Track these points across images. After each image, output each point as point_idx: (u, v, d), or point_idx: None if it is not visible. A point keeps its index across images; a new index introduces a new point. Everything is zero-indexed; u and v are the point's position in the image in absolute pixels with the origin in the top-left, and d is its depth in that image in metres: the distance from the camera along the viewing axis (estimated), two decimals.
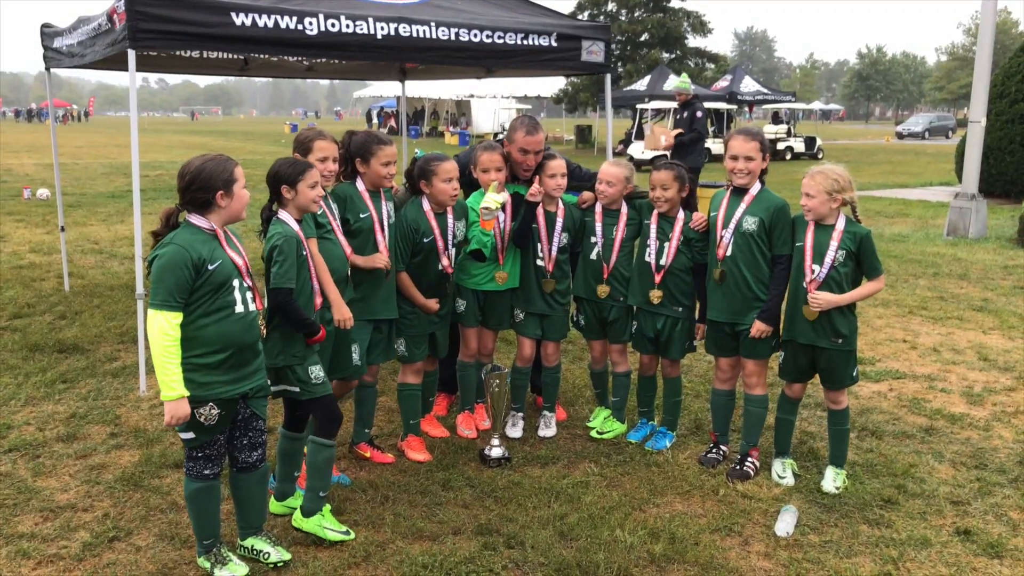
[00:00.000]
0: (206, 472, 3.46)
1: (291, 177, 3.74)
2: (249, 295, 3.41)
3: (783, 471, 4.53)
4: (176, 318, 3.20)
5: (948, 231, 12.89)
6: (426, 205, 4.58)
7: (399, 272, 4.56)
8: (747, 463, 4.58)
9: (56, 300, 8.17)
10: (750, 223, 4.37)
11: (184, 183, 3.30)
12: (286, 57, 8.04)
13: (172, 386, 3.19)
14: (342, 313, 4.03)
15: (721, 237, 4.47)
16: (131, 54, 5.40)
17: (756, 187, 4.43)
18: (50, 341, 6.74)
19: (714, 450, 4.77)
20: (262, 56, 7.24)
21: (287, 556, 3.68)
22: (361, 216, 4.34)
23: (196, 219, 3.33)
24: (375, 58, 6.61)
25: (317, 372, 3.81)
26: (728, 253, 4.44)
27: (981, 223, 12.78)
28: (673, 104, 30.75)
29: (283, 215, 3.76)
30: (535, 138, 4.90)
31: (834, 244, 4.23)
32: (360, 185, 4.39)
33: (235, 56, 8.45)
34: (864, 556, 3.76)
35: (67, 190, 17.42)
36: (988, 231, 12.88)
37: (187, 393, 3.23)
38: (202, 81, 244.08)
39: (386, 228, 4.44)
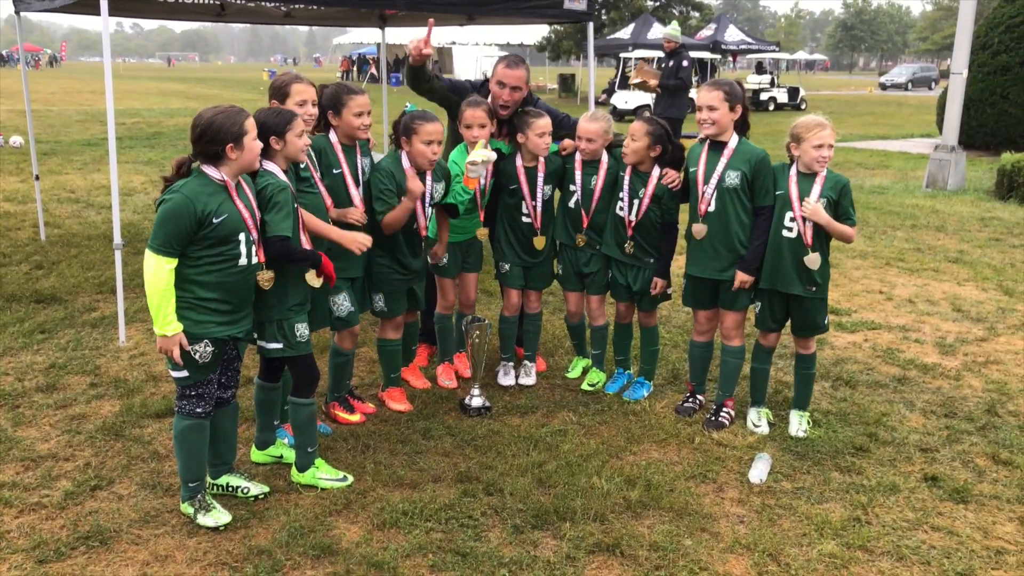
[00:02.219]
0: (198, 410, 3.53)
1: (279, 127, 3.67)
2: (254, 248, 3.46)
3: (758, 420, 4.62)
4: (171, 263, 3.28)
5: (927, 183, 12.96)
6: (405, 162, 4.45)
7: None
8: (722, 413, 4.66)
9: (32, 250, 8.09)
10: (732, 178, 4.35)
11: (195, 135, 3.34)
12: (263, 2, 7.88)
13: (163, 324, 3.29)
14: (356, 240, 4.01)
15: (703, 192, 4.45)
16: None
17: (734, 140, 4.41)
18: (27, 291, 6.69)
19: (690, 399, 4.84)
20: (239, 1, 7.10)
21: (266, 488, 3.80)
22: (334, 172, 4.25)
23: (208, 169, 3.37)
24: (353, 4, 6.51)
25: (303, 330, 3.80)
26: (712, 208, 4.43)
27: (960, 175, 12.85)
28: (659, 53, 30.63)
29: (269, 166, 3.69)
30: (514, 72, 4.84)
31: (817, 189, 4.28)
32: (333, 138, 4.30)
33: (211, 1, 8.26)
34: (835, 502, 3.86)
35: (41, 138, 17.13)
36: (967, 183, 12.96)
37: (179, 329, 3.31)
38: (178, 26, 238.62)
39: (360, 183, 4.36)
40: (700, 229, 4.49)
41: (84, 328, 5.97)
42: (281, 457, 4.10)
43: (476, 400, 4.72)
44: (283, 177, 3.70)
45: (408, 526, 3.58)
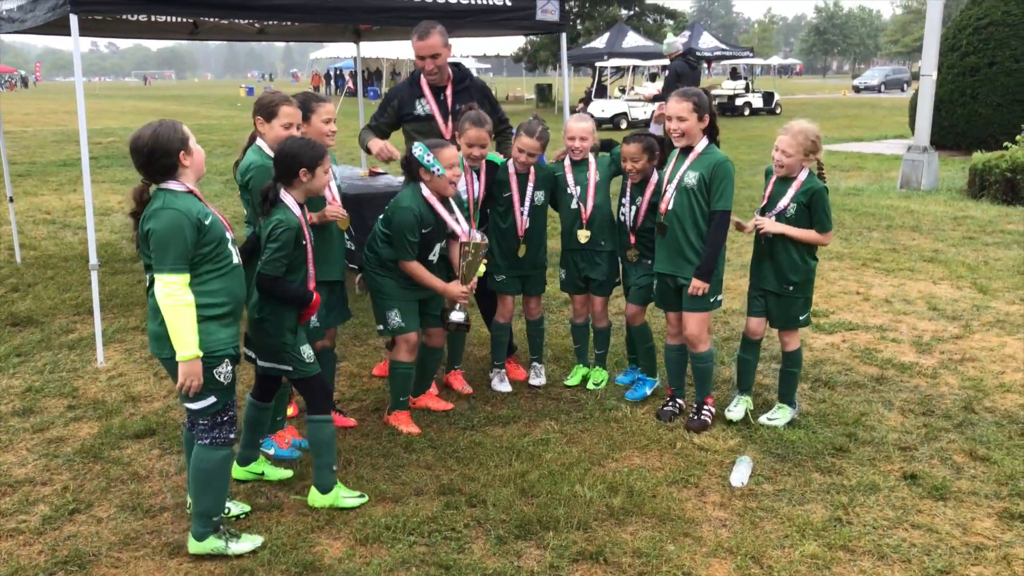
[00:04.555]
0: (231, 436, 3.44)
1: (312, 161, 3.68)
2: (235, 248, 3.42)
3: (734, 405, 4.74)
4: (186, 279, 3.19)
5: (901, 183, 13.10)
6: (426, 192, 4.43)
7: (407, 262, 4.41)
8: (704, 412, 4.71)
9: (7, 272, 8.02)
10: (691, 178, 4.46)
11: (144, 156, 3.22)
12: (236, 20, 7.88)
13: (188, 346, 3.18)
14: (334, 212, 4.13)
15: (665, 191, 4.58)
16: (73, 19, 5.26)
17: (702, 145, 4.51)
18: (2, 314, 6.63)
19: (670, 403, 4.87)
20: (212, 19, 7.09)
21: (247, 507, 3.78)
22: None
23: (172, 184, 3.27)
24: (326, 20, 6.52)
25: (308, 351, 3.77)
26: (670, 207, 4.54)
27: (933, 175, 13.00)
28: (633, 62, 30.85)
29: (287, 199, 3.67)
30: (426, 42, 4.99)
31: (790, 193, 4.44)
32: None
33: (184, 20, 8.25)
34: (816, 503, 3.88)
35: (16, 159, 16.99)
36: (940, 183, 13.11)
37: (201, 353, 3.21)
38: (154, 44, 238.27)
39: (334, 188, 4.33)
40: (659, 227, 4.62)
41: (61, 350, 5.92)
42: (263, 474, 4.08)
43: (456, 315, 4.56)
44: (297, 212, 3.67)
45: (391, 540, 3.57)
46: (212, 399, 3.34)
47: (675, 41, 13.51)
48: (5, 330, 6.32)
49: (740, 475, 4.09)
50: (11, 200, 8.58)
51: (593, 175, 4.99)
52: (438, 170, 4.34)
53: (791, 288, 4.52)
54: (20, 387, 5.26)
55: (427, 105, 5.16)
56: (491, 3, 6.64)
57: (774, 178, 4.56)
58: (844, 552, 3.50)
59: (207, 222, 3.25)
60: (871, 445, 4.44)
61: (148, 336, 3.42)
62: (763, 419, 4.66)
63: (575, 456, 4.32)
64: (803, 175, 4.46)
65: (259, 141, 4.09)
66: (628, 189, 4.92)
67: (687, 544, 3.56)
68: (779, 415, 4.68)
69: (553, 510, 3.77)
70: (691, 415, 4.73)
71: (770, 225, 4.46)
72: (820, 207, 4.42)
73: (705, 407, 4.72)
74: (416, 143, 4.44)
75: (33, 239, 9.58)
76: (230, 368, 3.37)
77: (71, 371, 5.54)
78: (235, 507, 3.76)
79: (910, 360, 5.68)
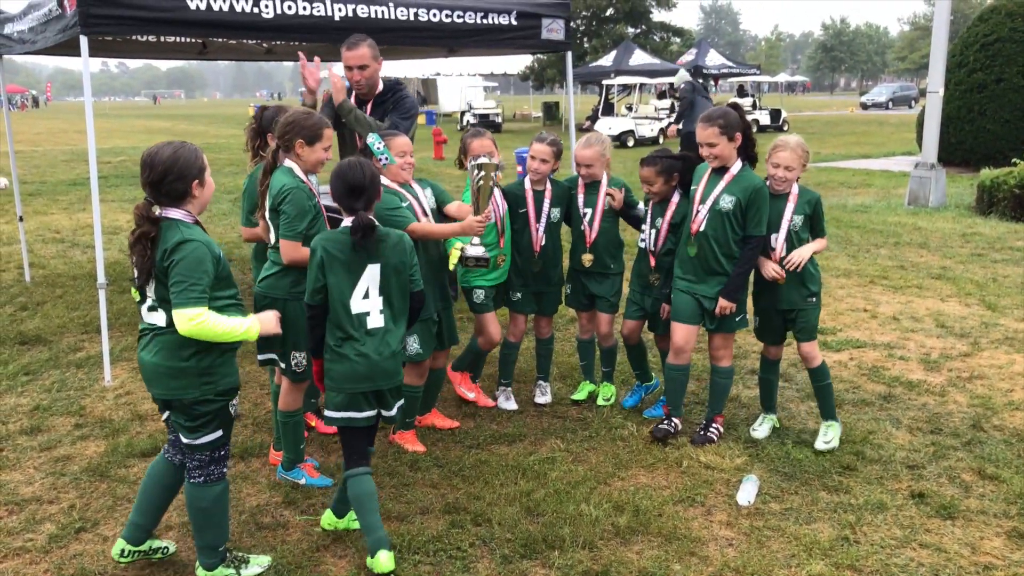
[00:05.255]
0: (225, 470, 3.36)
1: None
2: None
3: (759, 424, 4.75)
4: (207, 309, 3.07)
5: (909, 200, 13.08)
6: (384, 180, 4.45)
7: (414, 225, 4.24)
8: (711, 429, 4.69)
9: (17, 291, 8.06)
10: (727, 202, 4.41)
11: (157, 174, 3.09)
12: (244, 40, 7.95)
13: (248, 330, 3.16)
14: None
15: (697, 212, 4.51)
16: (83, 40, 5.32)
17: (737, 166, 4.45)
18: (11, 333, 6.67)
19: (666, 422, 4.77)
20: (220, 40, 7.15)
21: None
22: None
23: (176, 212, 3.13)
24: (333, 40, 6.54)
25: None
26: (701, 229, 4.48)
27: (941, 192, 12.98)
28: (640, 79, 30.95)
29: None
30: (354, 52, 5.15)
31: (790, 207, 4.44)
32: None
33: (193, 40, 8.33)
34: (823, 522, 3.86)
35: (27, 178, 17.13)
36: (948, 200, 13.08)
37: (247, 324, 3.16)
38: (164, 64, 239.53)
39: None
40: (692, 248, 4.54)
41: (69, 368, 5.94)
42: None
43: (473, 250, 4.43)
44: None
45: (396, 560, 3.55)
46: (219, 432, 3.28)
47: (684, 75, 14.26)
48: (14, 349, 6.35)
49: (747, 494, 4.07)
50: (21, 219, 8.65)
51: (600, 202, 5.00)
52: (387, 159, 4.27)
53: (813, 299, 4.53)
54: (28, 405, 5.28)
55: None
56: (496, 23, 6.69)
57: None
58: (851, 572, 3.47)
59: (221, 256, 3.20)
60: (879, 463, 4.41)
61: (147, 374, 3.23)
62: (820, 445, 4.53)
63: (581, 475, 4.31)
64: (795, 188, 4.47)
65: (289, 163, 3.95)
66: (649, 210, 4.91)
67: (693, 563, 3.54)
68: (831, 434, 4.60)
69: (559, 529, 3.76)
70: (698, 430, 4.71)
71: (798, 258, 4.43)
72: (821, 214, 4.51)
73: (713, 425, 4.70)
74: (371, 134, 4.39)
75: (42, 258, 9.64)
76: (237, 401, 3.34)
77: (79, 390, 5.56)
78: (171, 546, 3.62)
79: (918, 378, 5.66)
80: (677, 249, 4.71)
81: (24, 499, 4.11)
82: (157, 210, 3.12)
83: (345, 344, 3.47)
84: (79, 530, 3.81)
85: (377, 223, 3.47)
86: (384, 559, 3.36)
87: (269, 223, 3.99)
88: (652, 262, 4.91)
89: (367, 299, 3.47)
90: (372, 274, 3.47)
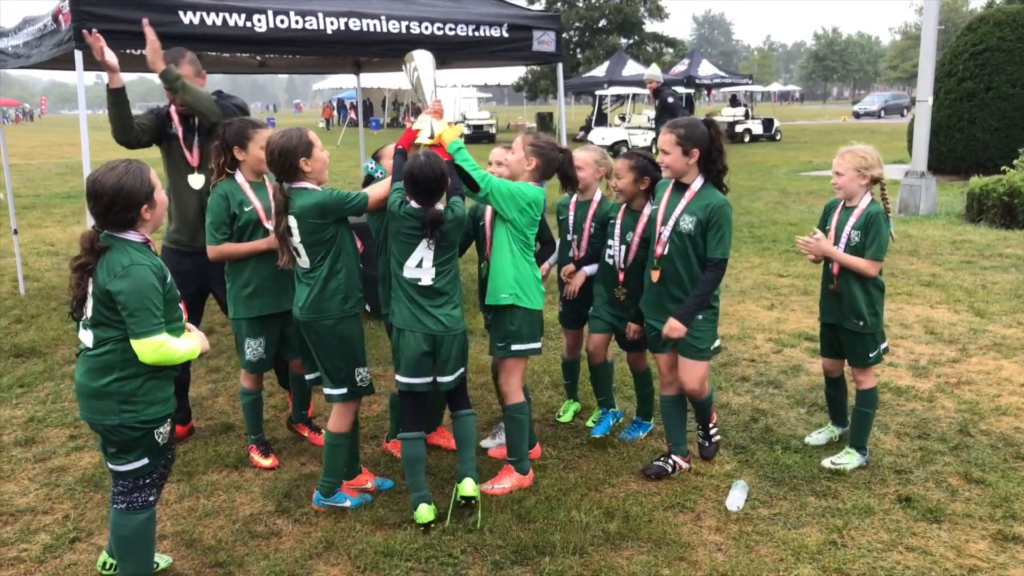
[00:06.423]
0: (151, 499, 3.23)
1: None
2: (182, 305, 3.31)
3: (818, 432, 4.82)
4: (167, 337, 3.05)
5: (900, 208, 13.17)
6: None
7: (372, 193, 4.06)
8: (712, 436, 4.63)
9: (11, 304, 8.09)
10: (687, 222, 4.12)
11: (102, 205, 2.98)
12: (237, 53, 8.01)
13: (196, 349, 3.18)
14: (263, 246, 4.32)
15: (660, 234, 4.22)
16: (78, 54, 5.37)
17: (697, 183, 4.16)
18: (6, 345, 6.69)
19: (662, 459, 4.47)
20: (212, 53, 7.21)
21: (169, 559, 3.65)
22: (245, 209, 4.34)
23: (130, 235, 3.07)
24: (326, 53, 6.64)
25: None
26: (665, 252, 4.21)
27: (931, 200, 13.07)
28: (633, 90, 31.11)
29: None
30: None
31: (851, 221, 4.31)
32: (240, 178, 4.38)
33: None
34: (811, 526, 3.90)
35: (21, 191, 17.15)
36: (938, 208, 13.18)
37: (197, 343, 3.19)
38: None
39: (271, 217, 4.16)
40: (655, 273, 4.26)
41: (64, 380, 5.97)
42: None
43: (422, 138, 4.27)
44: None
45: (389, 567, 3.59)
46: (144, 460, 3.15)
47: (655, 70, 14.14)
48: (9, 361, 6.38)
49: (736, 499, 4.11)
50: (15, 232, 8.68)
51: (590, 217, 4.75)
52: (382, 174, 4.45)
53: (861, 324, 4.33)
54: (23, 417, 5.30)
55: (175, 128, 5.09)
56: (489, 35, 6.77)
57: (839, 208, 4.40)
58: (838, 575, 3.52)
59: (168, 279, 3.11)
60: (866, 468, 4.46)
61: (77, 394, 3.18)
62: (827, 463, 4.45)
63: (572, 481, 4.35)
64: (864, 202, 4.31)
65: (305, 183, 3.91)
66: (619, 223, 4.61)
67: (682, 568, 3.58)
68: (845, 460, 4.44)
69: (549, 535, 3.79)
70: (699, 441, 4.67)
71: (822, 246, 4.29)
72: (873, 231, 4.23)
73: (713, 429, 4.64)
74: (367, 162, 4.53)
75: (37, 271, 9.67)
76: (168, 428, 3.21)
77: (73, 401, 5.58)
78: (161, 560, 3.58)
79: (906, 384, 5.71)
80: (644, 272, 4.41)
81: (19, 509, 4.13)
82: (101, 242, 3.04)
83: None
84: (73, 540, 3.84)
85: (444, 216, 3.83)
86: (424, 511, 3.87)
87: (295, 249, 3.91)
88: (621, 277, 4.64)
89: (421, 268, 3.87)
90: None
